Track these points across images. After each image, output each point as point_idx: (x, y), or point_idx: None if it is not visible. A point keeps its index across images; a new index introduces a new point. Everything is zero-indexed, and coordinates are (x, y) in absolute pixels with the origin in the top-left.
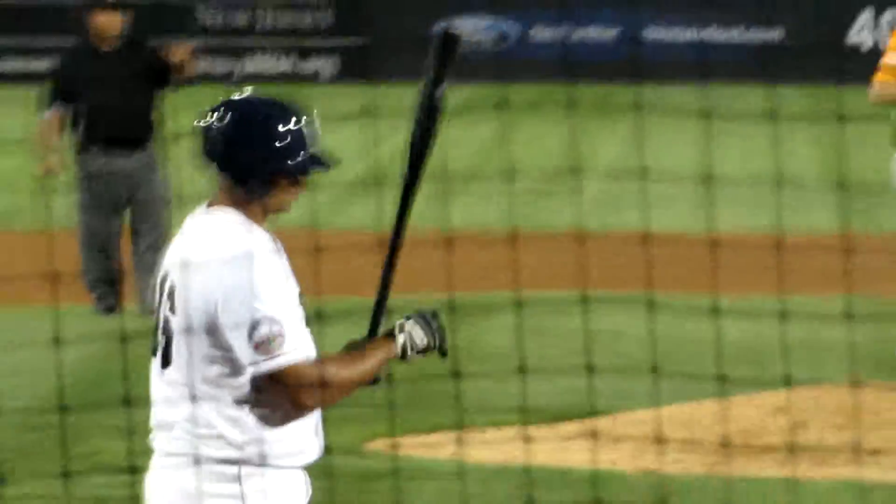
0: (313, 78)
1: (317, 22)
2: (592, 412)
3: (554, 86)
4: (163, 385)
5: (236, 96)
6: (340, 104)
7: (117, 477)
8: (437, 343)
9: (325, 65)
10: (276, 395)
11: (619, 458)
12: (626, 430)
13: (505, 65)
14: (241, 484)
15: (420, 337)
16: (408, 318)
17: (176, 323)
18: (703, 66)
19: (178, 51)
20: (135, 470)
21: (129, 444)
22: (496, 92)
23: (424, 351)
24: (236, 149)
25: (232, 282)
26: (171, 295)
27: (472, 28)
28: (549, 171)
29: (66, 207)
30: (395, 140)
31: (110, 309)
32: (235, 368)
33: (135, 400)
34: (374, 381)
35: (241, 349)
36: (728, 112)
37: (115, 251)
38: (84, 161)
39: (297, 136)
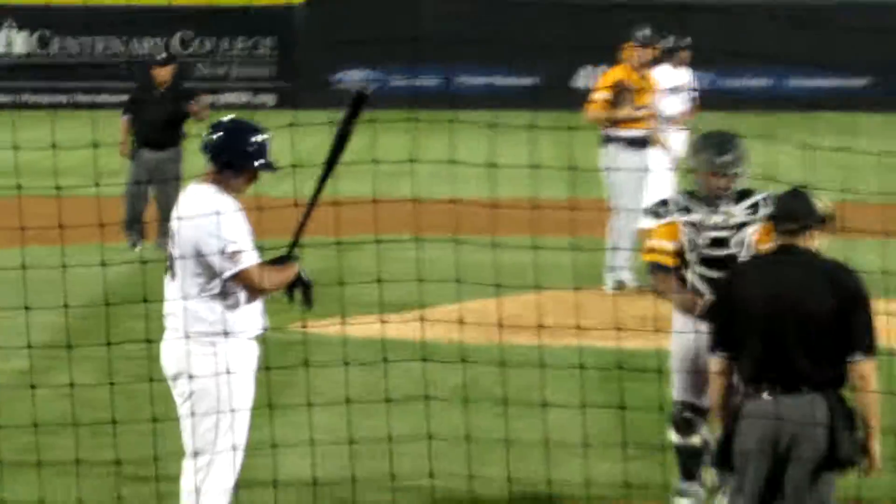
0: (262, 106)
1: (265, 73)
2: (422, 305)
3: (402, 110)
4: (170, 289)
5: (227, 118)
6: (277, 121)
7: (139, 345)
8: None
9: (269, 98)
10: (239, 287)
11: (437, 334)
12: (442, 317)
13: (375, 100)
14: (214, 347)
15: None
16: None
17: (176, 252)
18: (492, 98)
19: (200, 103)
20: (150, 340)
21: (147, 324)
22: (367, 115)
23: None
24: (223, 150)
25: (207, 226)
26: (173, 236)
27: (360, 78)
28: (399, 161)
29: (112, 185)
30: (309, 143)
31: (135, 245)
32: (209, 279)
33: (150, 299)
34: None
35: (218, 263)
36: (507, 126)
37: (144, 209)
38: (134, 153)
39: (261, 147)
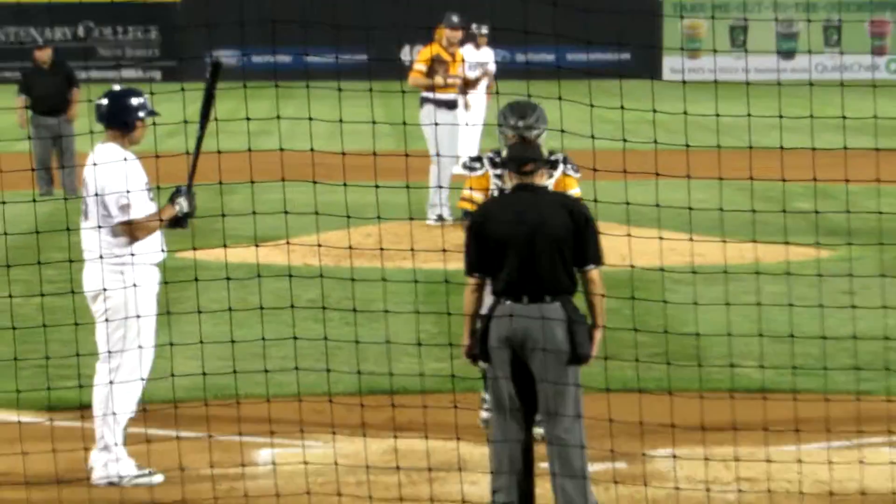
0: (151, 80)
1: (152, 54)
2: (289, 236)
3: (264, 81)
4: (85, 226)
5: (114, 88)
6: (162, 90)
7: (59, 270)
8: (192, 205)
9: (156, 74)
10: (125, 233)
11: (296, 259)
12: (300, 245)
13: (242, 73)
14: (123, 273)
15: (185, 204)
16: (177, 191)
17: (89, 197)
18: (335, 70)
19: (75, 97)
20: (73, 261)
21: (70, 254)
22: (237, 86)
23: (189, 215)
24: (113, 113)
25: (110, 176)
26: (86, 184)
27: (228, 55)
28: (267, 118)
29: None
30: (194, 108)
31: (47, 193)
32: (113, 219)
33: (71, 230)
34: (179, 225)
35: (114, 211)
36: (348, 91)
37: (50, 162)
38: (34, 119)
39: (142, 103)
